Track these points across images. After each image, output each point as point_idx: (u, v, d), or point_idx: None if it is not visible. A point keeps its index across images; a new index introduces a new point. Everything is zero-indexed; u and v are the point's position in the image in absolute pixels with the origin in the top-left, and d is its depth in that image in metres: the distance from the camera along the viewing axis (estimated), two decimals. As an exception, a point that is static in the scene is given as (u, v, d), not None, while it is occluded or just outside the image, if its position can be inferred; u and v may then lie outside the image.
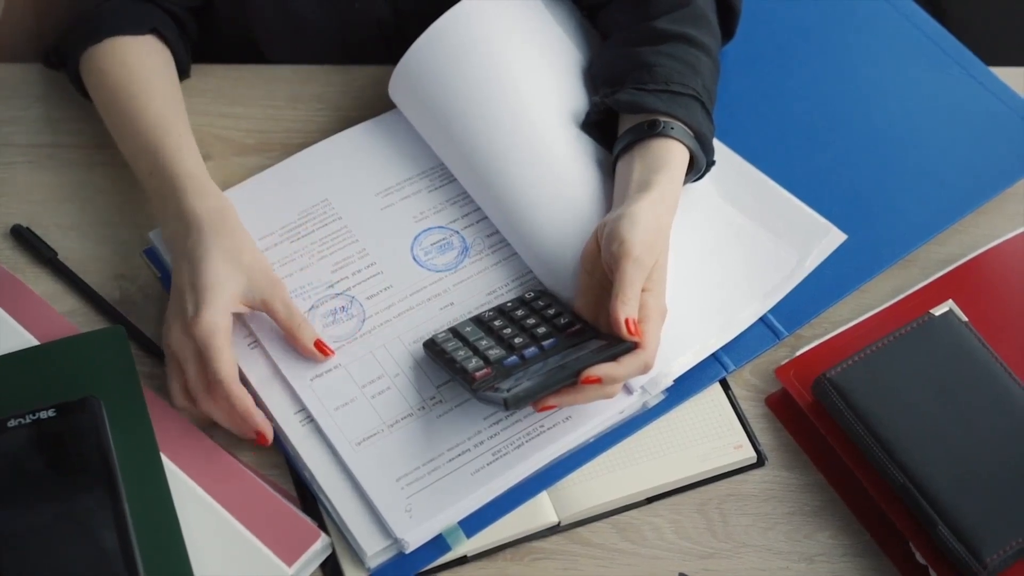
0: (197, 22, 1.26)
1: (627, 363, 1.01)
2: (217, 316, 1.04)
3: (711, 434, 1.10)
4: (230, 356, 1.04)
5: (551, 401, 1.01)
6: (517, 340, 1.06)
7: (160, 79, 1.19)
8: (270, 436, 1.05)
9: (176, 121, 1.16)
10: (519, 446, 1.06)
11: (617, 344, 1.01)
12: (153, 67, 1.19)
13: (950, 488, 1.03)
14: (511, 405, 0.98)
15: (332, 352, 1.09)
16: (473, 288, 1.14)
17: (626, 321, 1.01)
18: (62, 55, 1.23)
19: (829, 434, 1.09)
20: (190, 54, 1.26)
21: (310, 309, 1.12)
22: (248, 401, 1.04)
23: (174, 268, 1.09)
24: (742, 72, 1.30)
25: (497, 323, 1.08)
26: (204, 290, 1.05)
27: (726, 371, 1.12)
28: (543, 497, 1.06)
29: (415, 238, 1.17)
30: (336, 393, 1.07)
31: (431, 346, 1.08)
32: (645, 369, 1.02)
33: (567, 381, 1.00)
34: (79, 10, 1.21)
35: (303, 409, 1.07)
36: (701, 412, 1.11)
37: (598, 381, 0.99)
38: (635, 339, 1.01)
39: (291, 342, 1.09)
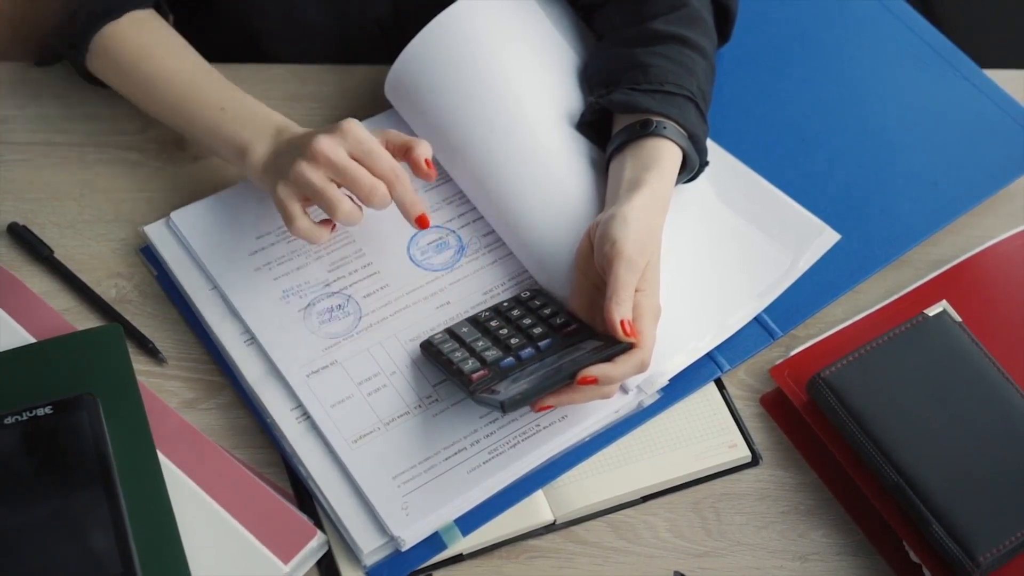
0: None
1: (623, 363, 1.01)
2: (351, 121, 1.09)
3: (706, 433, 1.10)
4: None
5: (548, 401, 1.01)
6: (513, 341, 1.06)
7: (181, 38, 1.21)
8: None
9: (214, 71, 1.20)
10: (515, 445, 1.06)
11: (613, 344, 1.01)
12: (171, 31, 1.22)
13: (944, 487, 1.03)
14: (508, 408, 0.98)
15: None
16: (469, 287, 1.15)
17: (621, 322, 1.01)
18: (66, 42, 1.21)
19: (823, 433, 1.09)
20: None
21: (306, 307, 1.12)
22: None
23: (279, 149, 1.11)
24: (737, 73, 1.30)
25: (493, 323, 1.08)
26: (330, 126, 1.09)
27: (721, 371, 1.13)
28: (539, 496, 1.06)
29: (412, 238, 1.17)
30: (332, 390, 1.08)
31: (428, 347, 1.08)
32: (642, 368, 1.03)
33: (564, 382, 1.00)
34: None
35: (299, 406, 1.07)
36: (696, 411, 1.11)
37: (595, 381, 1.00)
38: (631, 340, 1.01)
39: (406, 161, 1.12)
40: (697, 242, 1.17)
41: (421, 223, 1.09)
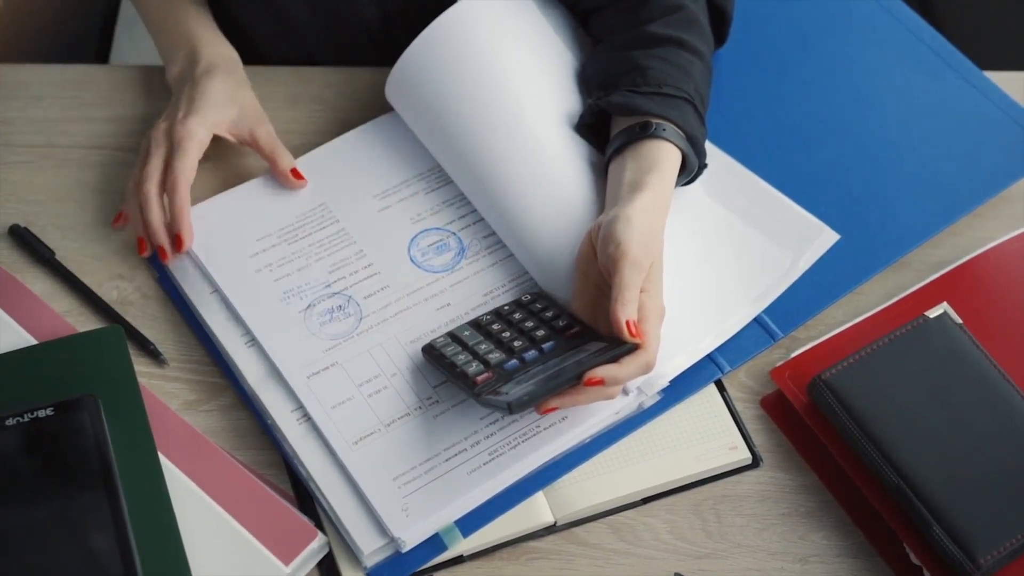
0: None
1: (629, 364, 1.01)
2: (200, 126, 1.17)
3: (706, 435, 1.10)
4: (192, 163, 1.15)
5: (553, 403, 1.02)
6: (516, 343, 1.06)
7: None
8: (187, 244, 1.14)
9: None
10: (515, 446, 1.06)
11: (618, 345, 1.01)
12: None
13: (944, 489, 1.03)
14: (515, 409, 0.98)
15: (304, 179, 1.20)
16: (470, 289, 1.15)
17: (627, 323, 1.02)
18: None
19: (824, 435, 1.09)
20: None
21: (307, 308, 1.12)
22: (186, 205, 1.14)
23: (176, 90, 1.22)
24: (737, 75, 1.30)
25: (495, 326, 1.08)
26: (198, 103, 1.18)
27: (721, 372, 1.13)
28: (539, 497, 1.06)
29: (412, 239, 1.17)
30: (333, 391, 1.08)
31: (430, 351, 1.08)
32: (647, 369, 1.03)
33: (570, 383, 1.00)
34: None
35: (300, 407, 1.07)
36: (696, 413, 1.11)
37: (601, 383, 1.00)
38: (636, 341, 1.02)
39: (271, 167, 1.20)
40: (696, 243, 1.18)
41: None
